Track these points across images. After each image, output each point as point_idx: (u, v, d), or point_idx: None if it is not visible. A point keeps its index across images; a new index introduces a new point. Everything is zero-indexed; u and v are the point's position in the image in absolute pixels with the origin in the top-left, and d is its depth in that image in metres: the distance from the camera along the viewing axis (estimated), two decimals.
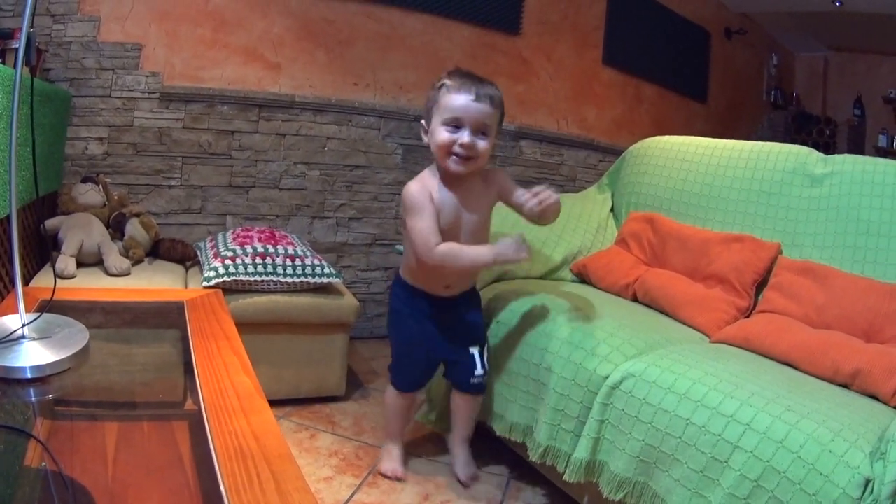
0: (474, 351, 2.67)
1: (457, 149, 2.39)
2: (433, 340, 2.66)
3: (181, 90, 3.88)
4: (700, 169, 3.26)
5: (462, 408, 2.78)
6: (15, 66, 1.60)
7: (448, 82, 2.42)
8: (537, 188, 2.47)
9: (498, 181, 2.64)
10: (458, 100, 2.37)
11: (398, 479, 2.73)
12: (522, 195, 2.51)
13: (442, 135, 2.40)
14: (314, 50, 4.25)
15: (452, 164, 2.42)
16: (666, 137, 3.63)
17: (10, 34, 2.90)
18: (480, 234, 2.61)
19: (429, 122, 2.48)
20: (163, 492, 1.16)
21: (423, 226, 2.41)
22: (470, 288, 2.76)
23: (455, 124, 2.39)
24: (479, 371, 2.66)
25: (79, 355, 1.64)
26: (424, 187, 2.48)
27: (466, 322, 2.71)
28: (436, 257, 2.39)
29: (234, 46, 4.02)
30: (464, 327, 2.70)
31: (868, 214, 2.61)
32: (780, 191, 2.92)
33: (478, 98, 2.37)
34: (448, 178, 2.51)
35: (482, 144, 2.42)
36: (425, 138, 2.52)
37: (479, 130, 2.41)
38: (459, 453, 2.82)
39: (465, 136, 2.38)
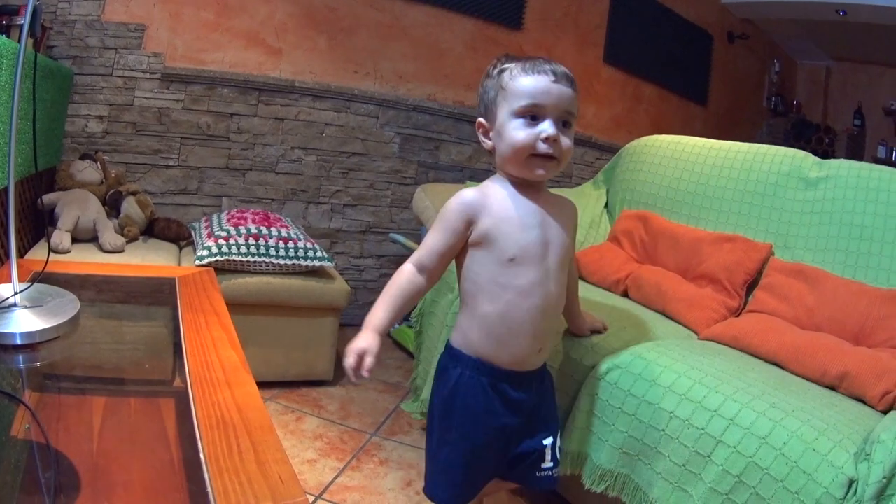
0: (548, 442, 1.99)
1: (541, 146, 1.78)
2: (510, 438, 1.94)
3: (182, 71, 3.89)
4: (695, 168, 3.26)
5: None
6: (20, 40, 1.61)
7: (512, 65, 1.84)
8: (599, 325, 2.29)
9: (575, 217, 2.06)
10: (536, 81, 1.78)
11: None
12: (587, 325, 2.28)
13: (519, 131, 1.79)
14: (316, 37, 4.25)
15: (535, 169, 1.83)
16: (662, 136, 3.63)
17: (15, 10, 2.91)
18: (566, 268, 1.97)
19: (491, 118, 1.88)
20: (146, 466, 1.17)
21: (432, 241, 1.86)
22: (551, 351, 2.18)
23: (532, 114, 1.78)
24: (547, 463, 1.99)
25: (69, 324, 1.67)
26: (476, 203, 1.85)
27: (546, 406, 2.04)
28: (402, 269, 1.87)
29: (236, 30, 4.03)
30: (542, 410, 2.01)
31: (861, 219, 2.61)
32: (774, 193, 2.92)
33: (558, 78, 1.79)
34: (518, 182, 1.90)
35: (566, 141, 1.82)
36: (487, 142, 1.91)
37: (562, 120, 1.81)
38: None
39: (548, 127, 1.77)
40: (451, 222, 1.84)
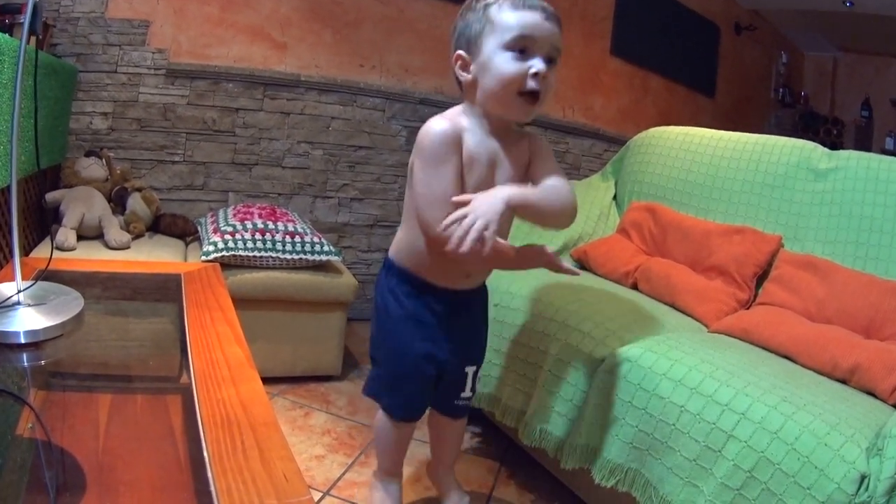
0: (469, 370, 2.16)
1: (530, 82, 1.75)
2: (443, 351, 2.03)
3: (187, 67, 3.88)
4: (704, 160, 3.25)
5: (443, 432, 2.33)
6: (21, 36, 1.60)
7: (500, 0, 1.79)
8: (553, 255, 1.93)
9: (540, 148, 2.01)
10: (527, 16, 1.75)
11: None
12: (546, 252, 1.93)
13: (508, 64, 1.75)
14: (321, 30, 4.24)
15: (521, 105, 1.80)
16: (671, 128, 3.61)
17: (18, 9, 2.91)
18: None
19: (474, 52, 1.82)
20: (152, 464, 1.16)
21: (437, 186, 1.79)
22: (486, 278, 2.18)
23: (521, 48, 1.75)
24: (466, 393, 2.19)
25: (73, 321, 1.65)
26: (454, 129, 1.82)
27: (473, 330, 2.18)
28: (443, 236, 1.71)
29: (241, 25, 4.02)
30: (469, 337, 2.14)
31: (871, 211, 2.60)
32: (783, 184, 2.91)
33: (548, 15, 1.78)
34: (491, 122, 1.88)
35: (552, 78, 1.81)
36: (464, 75, 1.86)
37: (549, 58, 1.78)
38: (448, 484, 2.39)
39: (539, 63, 1.74)
40: (449, 156, 1.81)
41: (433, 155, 1.80)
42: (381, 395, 2.15)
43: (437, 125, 1.80)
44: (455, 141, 1.81)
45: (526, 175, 1.97)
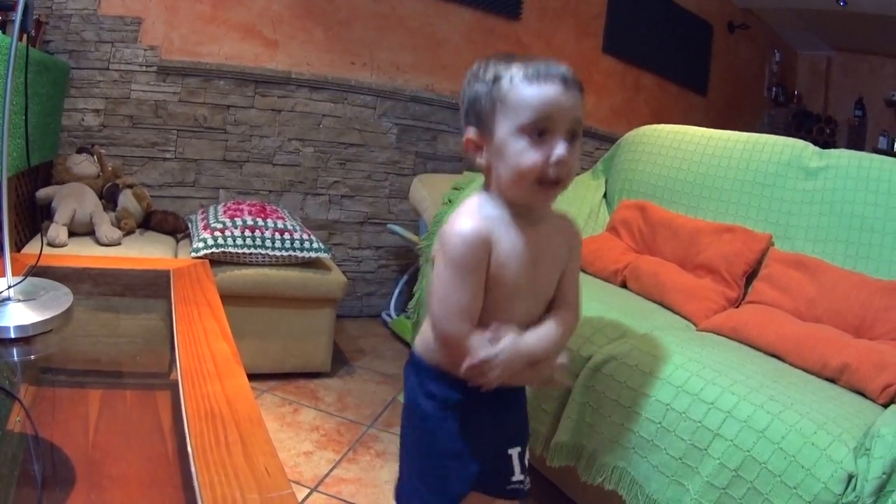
0: (513, 452, 1.77)
1: (551, 171, 1.49)
2: (482, 450, 1.70)
3: (179, 64, 3.88)
4: (694, 158, 3.24)
5: None
6: (12, 33, 1.61)
7: (510, 69, 1.52)
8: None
9: (575, 242, 1.77)
10: (545, 92, 1.48)
11: None
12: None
13: (525, 154, 1.48)
14: (312, 28, 4.24)
15: (539, 195, 1.55)
16: (662, 126, 3.60)
17: (11, 6, 2.91)
18: (547, 298, 1.72)
19: (486, 134, 1.55)
20: (141, 459, 1.17)
21: (458, 298, 1.54)
22: None
23: (541, 130, 1.48)
24: (517, 476, 1.77)
25: (62, 316, 1.67)
26: (483, 229, 1.54)
27: (515, 414, 1.84)
28: (462, 349, 1.53)
29: (232, 22, 4.02)
30: (510, 423, 1.81)
31: (862, 210, 2.59)
32: (773, 183, 2.90)
33: (568, 86, 1.50)
34: (517, 209, 1.60)
35: (575, 160, 1.54)
36: (478, 160, 1.60)
37: (571, 133, 1.52)
38: None
39: (560, 148, 1.47)
40: (476, 266, 1.54)
41: (458, 262, 1.54)
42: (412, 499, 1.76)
43: (464, 225, 1.55)
44: (484, 243, 1.54)
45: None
